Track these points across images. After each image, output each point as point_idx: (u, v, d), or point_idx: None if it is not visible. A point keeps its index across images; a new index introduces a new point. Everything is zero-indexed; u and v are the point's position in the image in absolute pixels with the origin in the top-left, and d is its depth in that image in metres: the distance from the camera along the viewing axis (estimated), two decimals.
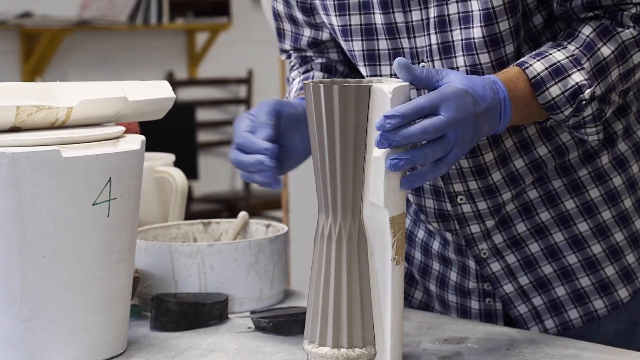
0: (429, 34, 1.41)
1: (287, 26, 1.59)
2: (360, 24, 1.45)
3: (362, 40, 1.46)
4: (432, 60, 1.42)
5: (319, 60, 1.60)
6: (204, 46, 5.62)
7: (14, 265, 1.26)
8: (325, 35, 1.57)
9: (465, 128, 1.22)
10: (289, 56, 1.63)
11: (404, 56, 1.44)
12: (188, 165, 4.98)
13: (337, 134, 1.22)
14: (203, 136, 5.56)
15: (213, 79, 5.67)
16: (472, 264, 1.54)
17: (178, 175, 1.76)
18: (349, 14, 1.45)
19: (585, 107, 1.35)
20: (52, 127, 1.34)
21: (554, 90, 1.33)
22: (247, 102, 5.73)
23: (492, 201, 1.48)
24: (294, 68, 1.62)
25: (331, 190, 1.24)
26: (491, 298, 1.55)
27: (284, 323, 1.43)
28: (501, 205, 1.49)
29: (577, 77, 1.34)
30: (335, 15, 1.46)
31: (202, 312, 1.47)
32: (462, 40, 1.39)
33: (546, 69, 1.33)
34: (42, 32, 4.89)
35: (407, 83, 1.23)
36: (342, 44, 1.49)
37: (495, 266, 1.52)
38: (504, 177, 1.47)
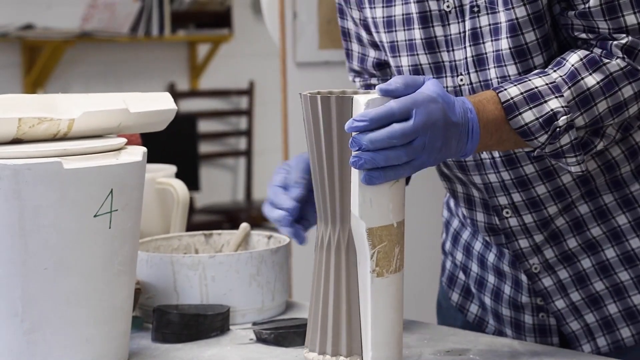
0: (465, 47, 1.42)
1: (355, 46, 1.58)
2: (405, 40, 1.46)
3: (407, 55, 1.47)
4: (469, 73, 1.42)
5: None
6: (206, 58, 5.63)
7: (16, 277, 1.26)
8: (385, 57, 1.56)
9: (435, 135, 1.21)
10: (353, 81, 1.63)
11: (444, 70, 1.45)
12: (189, 176, 4.98)
13: (324, 143, 1.23)
14: (204, 147, 5.56)
15: (214, 90, 5.68)
16: (524, 277, 1.54)
17: (179, 186, 1.76)
18: (395, 30, 1.46)
19: (561, 135, 1.32)
20: (54, 138, 1.34)
21: (528, 116, 1.31)
22: (248, 113, 5.73)
23: (537, 214, 1.47)
24: None
25: (328, 199, 1.25)
26: (545, 313, 1.54)
27: (285, 334, 1.43)
28: (548, 219, 1.48)
29: (554, 104, 1.32)
30: (384, 32, 1.48)
31: (204, 324, 1.47)
32: (493, 52, 1.40)
33: (521, 93, 1.32)
34: (44, 44, 4.90)
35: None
36: (391, 60, 1.50)
37: (547, 281, 1.51)
38: (549, 191, 1.46)
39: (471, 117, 1.27)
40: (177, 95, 5.40)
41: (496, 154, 1.45)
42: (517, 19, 1.36)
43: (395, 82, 1.22)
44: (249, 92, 5.74)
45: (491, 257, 1.57)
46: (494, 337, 1.47)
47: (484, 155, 1.46)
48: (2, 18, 4.90)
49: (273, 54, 3.74)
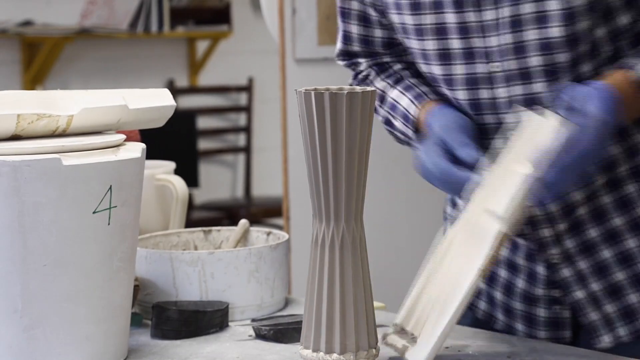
0: (501, 34, 1.41)
1: (355, 28, 1.57)
2: (434, 23, 1.45)
3: (435, 39, 1.46)
4: (505, 60, 1.42)
5: (399, 65, 1.59)
6: (205, 54, 5.62)
7: (15, 274, 1.26)
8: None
9: None
10: (351, 64, 1.62)
11: (476, 56, 1.44)
12: (189, 173, 4.98)
13: (318, 140, 1.24)
14: (204, 144, 5.56)
15: (214, 86, 5.68)
16: (541, 269, 1.52)
17: (179, 183, 1.76)
18: (423, 13, 1.45)
19: None
20: (53, 135, 1.34)
21: None
22: (247, 109, 5.73)
23: (561, 202, 1.48)
24: (370, 77, 1.60)
25: (322, 197, 1.25)
26: (559, 305, 1.53)
27: (284, 331, 1.44)
28: (571, 208, 1.48)
29: None
30: (410, 14, 1.47)
31: (203, 320, 1.47)
32: (538, 40, 1.40)
33: None
34: (43, 40, 4.90)
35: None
36: (415, 43, 1.48)
37: (566, 272, 1.50)
38: None
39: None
40: (176, 92, 5.40)
41: None
42: (575, 7, 1.37)
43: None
44: (248, 88, 5.73)
45: (503, 251, 1.56)
46: (493, 334, 1.47)
47: None
48: (1, 14, 4.90)
49: (272, 50, 3.73)
